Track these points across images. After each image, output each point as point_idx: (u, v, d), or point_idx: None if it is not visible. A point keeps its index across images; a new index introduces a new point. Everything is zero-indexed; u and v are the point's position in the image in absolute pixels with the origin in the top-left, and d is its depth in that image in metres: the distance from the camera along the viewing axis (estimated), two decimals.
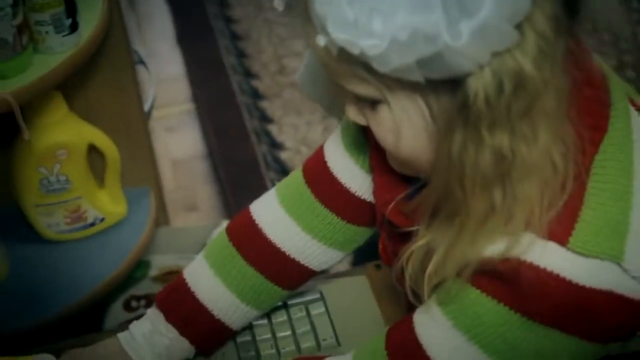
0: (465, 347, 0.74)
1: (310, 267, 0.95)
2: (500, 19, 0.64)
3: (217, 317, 0.94)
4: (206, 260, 0.95)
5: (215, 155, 1.94)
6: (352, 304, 1.06)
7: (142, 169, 1.41)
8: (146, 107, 1.68)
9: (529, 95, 0.67)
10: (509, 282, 0.71)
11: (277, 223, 0.94)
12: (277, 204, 0.94)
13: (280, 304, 1.04)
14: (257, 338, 1.02)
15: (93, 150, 1.31)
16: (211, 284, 0.94)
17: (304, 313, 1.04)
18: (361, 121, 0.76)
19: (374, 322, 1.02)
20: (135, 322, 0.95)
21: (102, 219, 1.34)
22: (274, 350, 1.01)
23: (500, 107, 0.67)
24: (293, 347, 1.01)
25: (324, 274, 1.11)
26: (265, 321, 1.03)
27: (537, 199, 0.70)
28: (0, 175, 1.31)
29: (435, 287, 0.75)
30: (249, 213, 0.95)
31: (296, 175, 0.95)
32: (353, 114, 0.76)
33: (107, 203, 1.34)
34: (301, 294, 1.06)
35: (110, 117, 1.33)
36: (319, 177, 0.93)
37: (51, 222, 1.31)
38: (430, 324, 0.77)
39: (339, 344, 1.01)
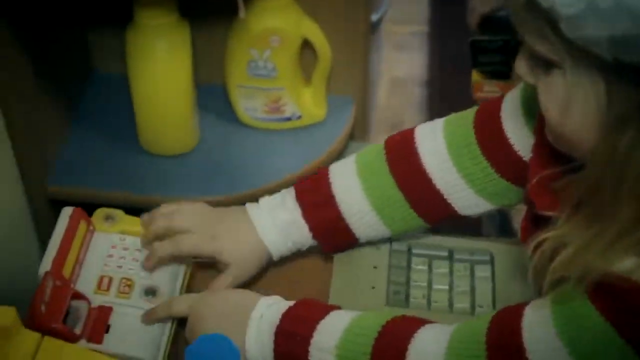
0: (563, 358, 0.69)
1: (453, 206, 0.91)
2: None
3: (343, 216, 0.92)
4: (355, 159, 0.93)
5: (435, 84, 1.88)
6: (521, 276, 0.97)
7: (352, 79, 1.36)
8: (375, 17, 1.62)
9: None
10: (623, 304, 0.66)
11: (434, 151, 0.90)
12: (440, 133, 0.90)
13: (446, 254, 0.98)
14: (412, 282, 0.96)
15: (307, 47, 1.26)
16: (349, 181, 0.92)
17: (468, 272, 0.97)
18: (529, 79, 0.70)
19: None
20: (266, 196, 0.96)
21: (299, 117, 1.30)
22: (424, 301, 0.95)
23: None
24: (446, 304, 0.94)
25: (501, 238, 1.03)
26: (425, 267, 0.97)
27: None
28: (214, 52, 1.31)
29: (556, 285, 0.69)
30: (413, 132, 0.92)
31: (468, 114, 0.90)
32: (523, 69, 0.70)
33: (308, 102, 1.30)
34: (471, 251, 0.99)
35: (333, 17, 1.27)
36: (488, 123, 0.88)
37: (249, 106, 1.29)
38: (537, 323, 0.72)
39: None
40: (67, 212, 1.02)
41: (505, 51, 1.01)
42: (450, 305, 0.94)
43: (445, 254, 0.99)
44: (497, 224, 1.46)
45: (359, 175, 0.92)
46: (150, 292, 0.96)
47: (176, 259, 0.96)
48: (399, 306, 0.94)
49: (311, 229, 0.93)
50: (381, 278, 0.97)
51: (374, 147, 0.94)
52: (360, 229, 0.93)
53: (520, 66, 0.70)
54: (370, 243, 1.01)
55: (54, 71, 1.28)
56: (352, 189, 0.92)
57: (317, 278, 0.99)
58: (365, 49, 1.35)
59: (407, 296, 0.95)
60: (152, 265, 0.96)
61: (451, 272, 0.97)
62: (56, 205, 1.30)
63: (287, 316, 0.83)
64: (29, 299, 1.29)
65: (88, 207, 1.15)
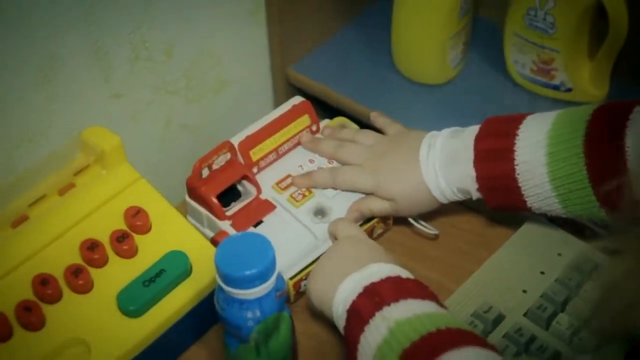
0: None
1: None
2: None
3: (517, 176, 0.80)
4: (555, 115, 0.81)
5: None
6: None
7: None
8: None
9: None
10: None
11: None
12: None
13: None
14: (568, 306, 0.80)
15: (604, 17, 1.08)
16: (535, 139, 0.80)
17: None
18: None
19: None
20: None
21: (569, 89, 1.13)
22: (568, 332, 0.79)
23: None
24: (590, 344, 0.78)
25: None
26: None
27: None
28: None
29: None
30: (633, 103, 0.77)
31: None
32: None
33: (585, 77, 1.12)
34: None
35: None
36: None
37: (519, 59, 1.14)
38: None
39: None
40: (294, 100, 0.99)
41: None
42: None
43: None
44: None
45: (549, 136, 0.79)
46: (320, 212, 0.91)
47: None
48: (534, 323, 0.80)
49: (478, 179, 0.82)
50: (538, 286, 0.83)
51: (582, 109, 0.81)
52: (531, 198, 0.81)
53: None
54: (558, 245, 0.86)
55: None
56: (535, 148, 0.79)
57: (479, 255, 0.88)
58: None
59: (552, 317, 0.80)
60: (304, 185, 0.91)
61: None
62: (295, 92, 1.27)
63: (387, 281, 0.74)
64: None
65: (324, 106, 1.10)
